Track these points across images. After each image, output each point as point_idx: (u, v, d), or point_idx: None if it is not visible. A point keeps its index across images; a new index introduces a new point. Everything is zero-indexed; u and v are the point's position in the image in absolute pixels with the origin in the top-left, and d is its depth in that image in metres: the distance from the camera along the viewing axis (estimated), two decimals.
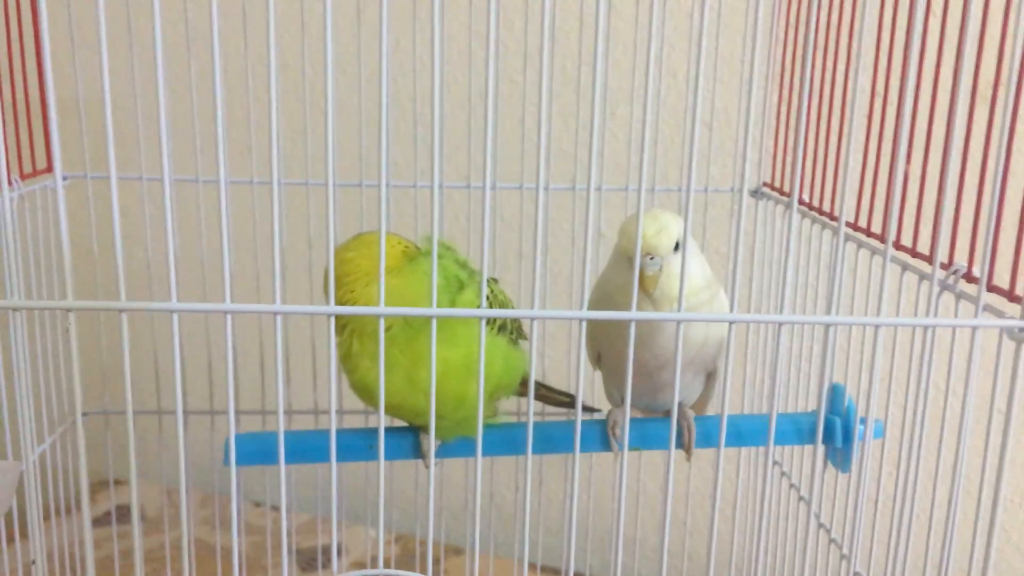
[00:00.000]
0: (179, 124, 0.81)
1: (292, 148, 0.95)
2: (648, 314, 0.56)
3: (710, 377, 0.69)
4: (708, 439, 0.64)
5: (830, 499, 0.67)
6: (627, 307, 0.62)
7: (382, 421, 0.51)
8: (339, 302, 0.56)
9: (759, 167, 0.84)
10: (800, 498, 0.73)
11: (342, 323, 0.59)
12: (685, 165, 0.84)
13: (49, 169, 0.82)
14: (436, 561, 1.06)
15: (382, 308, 0.48)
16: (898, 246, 0.59)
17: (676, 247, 0.60)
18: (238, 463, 0.63)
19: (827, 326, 0.53)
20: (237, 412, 0.86)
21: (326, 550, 1.05)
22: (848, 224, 0.66)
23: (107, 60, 0.44)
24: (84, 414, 0.85)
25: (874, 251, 0.62)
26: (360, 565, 1.05)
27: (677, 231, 0.61)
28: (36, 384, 0.75)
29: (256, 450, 0.63)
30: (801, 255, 0.74)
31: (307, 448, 0.64)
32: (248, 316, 0.91)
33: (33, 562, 0.80)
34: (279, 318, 0.47)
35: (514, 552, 1.00)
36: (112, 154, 0.45)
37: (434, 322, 0.49)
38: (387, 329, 0.56)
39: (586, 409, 0.79)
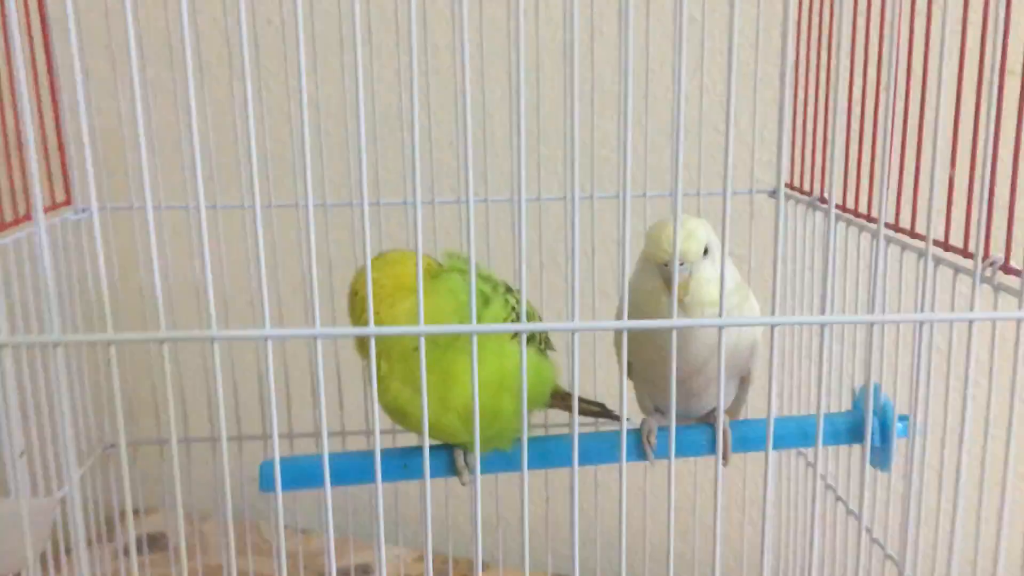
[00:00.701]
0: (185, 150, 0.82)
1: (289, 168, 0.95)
2: (691, 320, 0.55)
3: (743, 381, 0.68)
4: (744, 443, 0.63)
5: (872, 500, 0.66)
6: (655, 314, 0.62)
7: (426, 441, 0.51)
8: (363, 323, 0.56)
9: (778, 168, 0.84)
10: (838, 498, 0.72)
11: (365, 344, 0.59)
12: (704, 167, 0.84)
13: (68, 202, 0.82)
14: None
15: (421, 327, 0.48)
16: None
17: (705, 252, 0.60)
18: (271, 488, 0.63)
19: (871, 325, 0.52)
20: (266, 437, 0.86)
21: (357, 570, 1.05)
22: (875, 221, 0.65)
23: (122, 90, 0.44)
24: (111, 445, 0.86)
25: (904, 246, 0.62)
26: None
27: (705, 236, 0.60)
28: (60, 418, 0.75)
29: (293, 474, 0.63)
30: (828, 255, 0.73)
31: (342, 470, 0.63)
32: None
33: None
34: (320, 342, 0.47)
35: (544, 565, 0.99)
36: (148, 182, 0.45)
37: (474, 339, 0.49)
38: (414, 349, 0.56)
39: (608, 416, 0.79)
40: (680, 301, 0.60)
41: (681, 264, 0.60)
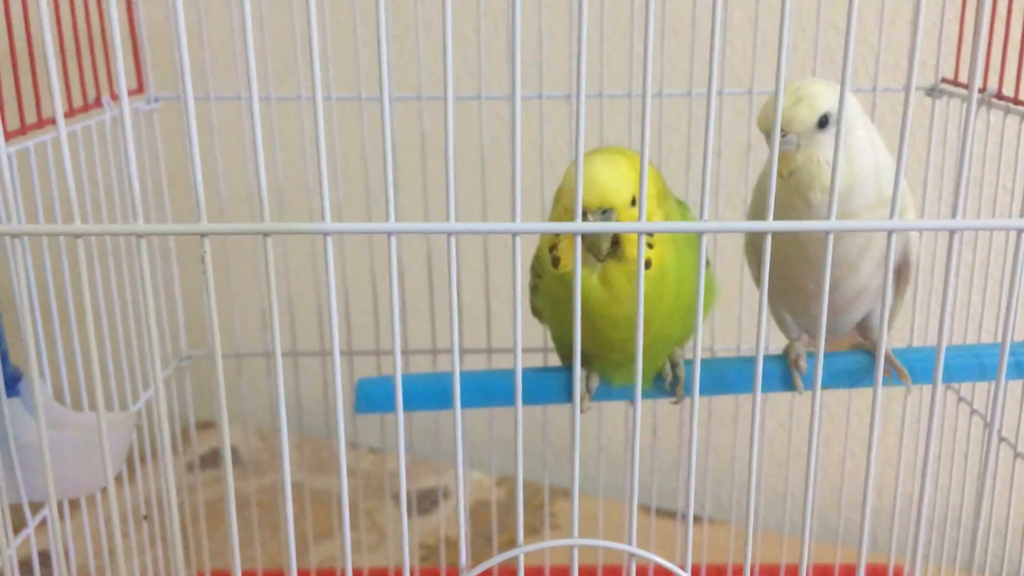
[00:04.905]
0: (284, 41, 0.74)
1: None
2: (786, 224, 0.44)
3: (900, 276, 0.57)
4: (920, 375, 0.55)
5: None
6: (778, 211, 0.52)
7: (639, 351, 0.43)
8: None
9: (937, 62, 0.73)
10: (1002, 439, 0.63)
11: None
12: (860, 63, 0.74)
13: (140, 90, 0.75)
14: (541, 505, 1.00)
15: (643, 224, 0.40)
16: None
17: (823, 124, 0.50)
18: (371, 409, 0.56)
19: (1019, 232, 0.43)
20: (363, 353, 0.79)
21: (430, 493, 1.00)
22: None
23: None
24: (187, 357, 0.80)
25: None
26: (472, 506, 0.99)
27: (825, 104, 0.50)
28: (139, 323, 0.69)
29: (387, 395, 0.56)
30: (993, 155, 0.63)
31: (444, 392, 0.56)
32: (356, 243, 0.85)
33: (145, 517, 0.75)
34: (518, 239, 0.39)
35: (623, 495, 0.93)
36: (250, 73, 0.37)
37: (703, 239, 0.42)
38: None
39: None
40: (785, 179, 0.51)
41: (786, 135, 0.50)
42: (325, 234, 0.39)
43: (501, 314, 0.93)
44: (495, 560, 0.42)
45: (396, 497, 1.00)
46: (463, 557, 0.45)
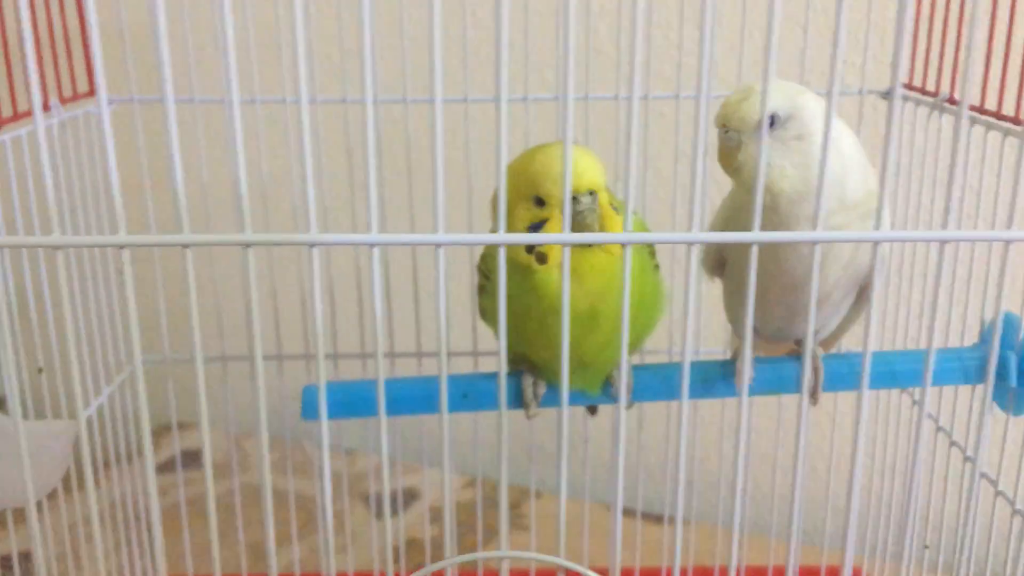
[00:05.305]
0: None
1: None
2: (776, 235, 0.46)
3: (863, 293, 0.58)
4: (845, 381, 0.55)
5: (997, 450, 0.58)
6: (739, 216, 0.53)
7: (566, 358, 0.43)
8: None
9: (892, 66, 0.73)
10: (952, 444, 0.64)
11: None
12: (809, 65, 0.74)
13: (91, 92, 0.74)
14: (515, 505, 1.00)
15: (567, 235, 0.40)
16: None
17: (772, 123, 0.50)
18: (314, 416, 0.56)
19: (1006, 243, 0.44)
20: (309, 357, 0.79)
21: (404, 493, 1.00)
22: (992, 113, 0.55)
23: None
24: (147, 360, 0.79)
25: None
26: (436, 509, 0.99)
27: (774, 104, 0.49)
28: (91, 331, 0.69)
29: (340, 402, 0.56)
30: (945, 160, 0.63)
31: (397, 398, 0.56)
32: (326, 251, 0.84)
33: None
34: (441, 251, 0.39)
35: (593, 495, 0.93)
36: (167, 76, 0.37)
37: (628, 250, 0.42)
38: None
39: None
40: (728, 171, 0.51)
41: (728, 132, 0.50)
42: (311, 245, 0.39)
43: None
44: (425, 571, 0.42)
45: (365, 499, 1.00)
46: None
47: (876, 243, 0.43)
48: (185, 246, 0.38)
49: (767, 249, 0.53)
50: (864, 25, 0.74)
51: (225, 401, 0.77)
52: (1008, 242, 0.46)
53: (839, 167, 0.51)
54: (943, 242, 0.45)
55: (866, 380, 0.45)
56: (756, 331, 0.59)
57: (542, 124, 0.91)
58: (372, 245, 0.39)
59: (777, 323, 0.58)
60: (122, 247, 0.38)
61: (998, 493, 0.58)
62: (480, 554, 0.41)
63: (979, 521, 0.57)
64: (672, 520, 0.82)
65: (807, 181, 0.51)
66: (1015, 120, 0.57)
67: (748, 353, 0.55)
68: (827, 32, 0.84)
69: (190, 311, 0.40)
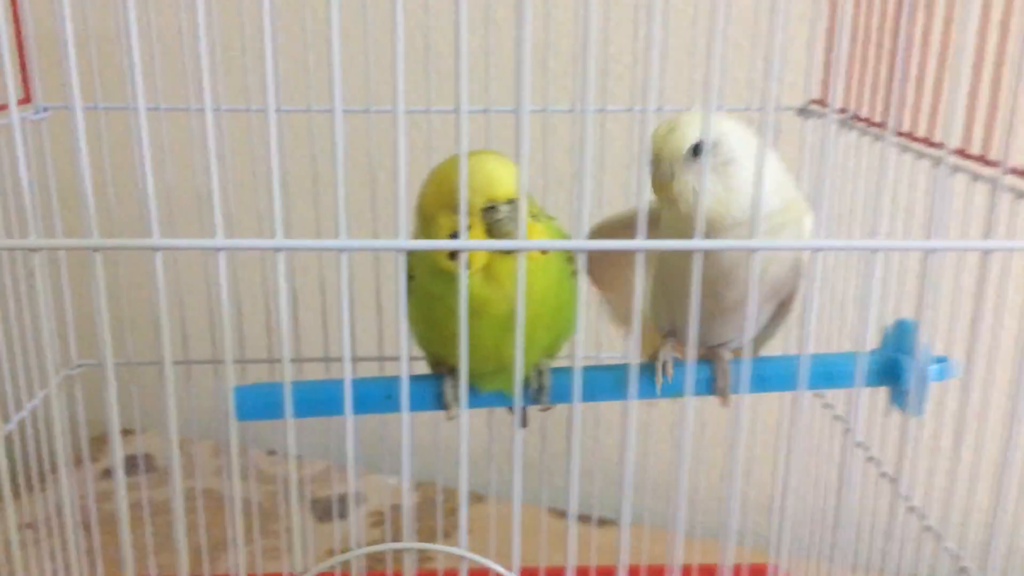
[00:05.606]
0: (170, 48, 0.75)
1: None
2: (715, 242, 0.49)
3: (783, 307, 0.61)
4: (761, 383, 0.58)
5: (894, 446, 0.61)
6: (668, 231, 0.55)
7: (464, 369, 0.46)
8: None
9: (806, 82, 0.76)
10: (858, 444, 0.67)
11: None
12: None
13: (27, 100, 0.75)
14: (455, 510, 1.02)
15: (464, 241, 0.42)
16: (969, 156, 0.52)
17: (696, 152, 0.53)
18: (247, 417, 0.58)
19: (927, 253, 0.46)
20: (244, 361, 0.80)
21: (342, 499, 1.01)
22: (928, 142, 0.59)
23: None
24: (79, 366, 0.80)
25: (958, 169, 0.55)
26: (378, 514, 1.00)
27: (696, 134, 0.52)
28: (23, 334, 0.69)
29: (265, 402, 0.58)
30: (851, 174, 0.67)
31: (320, 400, 0.58)
32: (255, 256, 0.85)
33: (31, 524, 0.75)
34: (344, 256, 0.41)
35: (536, 498, 0.95)
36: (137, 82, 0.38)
37: (522, 258, 0.45)
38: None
39: None
40: (667, 204, 0.54)
41: (660, 163, 0.53)
42: (276, 250, 0.40)
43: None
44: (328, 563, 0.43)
45: (313, 502, 1.02)
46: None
47: (799, 254, 0.45)
48: (95, 249, 0.40)
49: (686, 257, 0.56)
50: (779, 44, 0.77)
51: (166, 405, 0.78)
52: (928, 251, 0.47)
53: (771, 184, 0.54)
54: (873, 251, 0.47)
55: (804, 382, 0.47)
56: (674, 334, 0.62)
57: (502, 134, 0.94)
58: (277, 250, 0.40)
59: (701, 329, 0.60)
60: (95, 250, 0.40)
61: (889, 479, 0.61)
62: (387, 545, 0.43)
63: (878, 518, 0.61)
64: (601, 522, 0.84)
65: (736, 202, 0.53)
66: (927, 142, 0.60)
67: (692, 353, 0.58)
68: (745, 49, 0.87)
69: (159, 315, 0.42)
